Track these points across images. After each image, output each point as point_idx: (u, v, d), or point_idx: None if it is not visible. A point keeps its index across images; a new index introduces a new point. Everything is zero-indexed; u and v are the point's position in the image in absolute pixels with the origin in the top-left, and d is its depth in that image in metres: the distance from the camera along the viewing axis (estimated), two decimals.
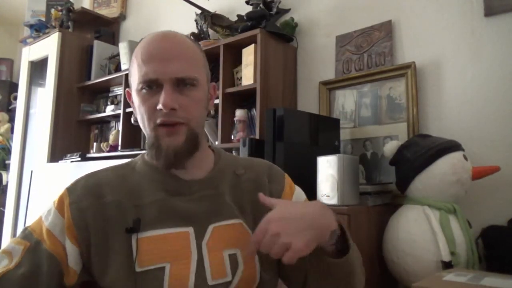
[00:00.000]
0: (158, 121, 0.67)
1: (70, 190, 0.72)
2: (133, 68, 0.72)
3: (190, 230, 0.69)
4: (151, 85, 0.68)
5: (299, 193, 0.84)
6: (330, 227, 0.64)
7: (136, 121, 0.75)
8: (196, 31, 2.29)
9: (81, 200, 0.69)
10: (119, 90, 2.79)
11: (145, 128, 0.71)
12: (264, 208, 0.69)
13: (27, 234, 0.69)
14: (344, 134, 1.78)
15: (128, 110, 2.51)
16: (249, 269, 0.70)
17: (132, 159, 0.81)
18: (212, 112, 0.84)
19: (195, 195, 0.72)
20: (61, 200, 0.70)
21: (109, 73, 2.81)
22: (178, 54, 0.69)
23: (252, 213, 0.75)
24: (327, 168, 1.33)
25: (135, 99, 0.72)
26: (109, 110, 2.70)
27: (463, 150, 1.33)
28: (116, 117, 2.70)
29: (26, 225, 0.73)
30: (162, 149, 0.68)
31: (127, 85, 2.54)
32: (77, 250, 0.67)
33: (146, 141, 0.72)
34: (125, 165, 0.79)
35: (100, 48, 2.91)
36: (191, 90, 0.69)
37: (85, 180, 0.74)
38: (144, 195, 0.71)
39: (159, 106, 0.66)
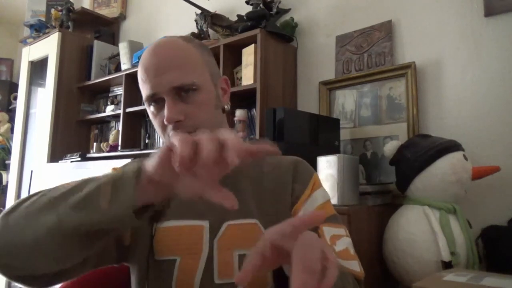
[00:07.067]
0: (169, 134, 0.68)
1: None
2: (139, 83, 0.74)
3: (206, 224, 0.69)
4: (156, 100, 0.69)
5: (317, 196, 0.74)
6: None
7: None
8: (196, 31, 2.29)
9: None
10: (119, 90, 2.79)
11: (162, 139, 0.73)
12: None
13: None
14: (344, 134, 1.78)
15: (128, 110, 2.51)
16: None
17: None
18: (228, 107, 0.81)
19: None
20: None
21: (109, 73, 2.81)
22: (170, 63, 0.68)
23: (272, 214, 0.72)
24: (327, 168, 1.33)
25: (148, 113, 0.74)
26: (109, 110, 2.70)
27: (463, 150, 1.33)
28: (116, 117, 2.69)
29: None
30: None
31: (127, 85, 2.59)
32: None
33: None
34: None
35: (100, 48, 2.91)
36: (193, 95, 0.68)
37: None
38: None
39: (165, 122, 0.67)
